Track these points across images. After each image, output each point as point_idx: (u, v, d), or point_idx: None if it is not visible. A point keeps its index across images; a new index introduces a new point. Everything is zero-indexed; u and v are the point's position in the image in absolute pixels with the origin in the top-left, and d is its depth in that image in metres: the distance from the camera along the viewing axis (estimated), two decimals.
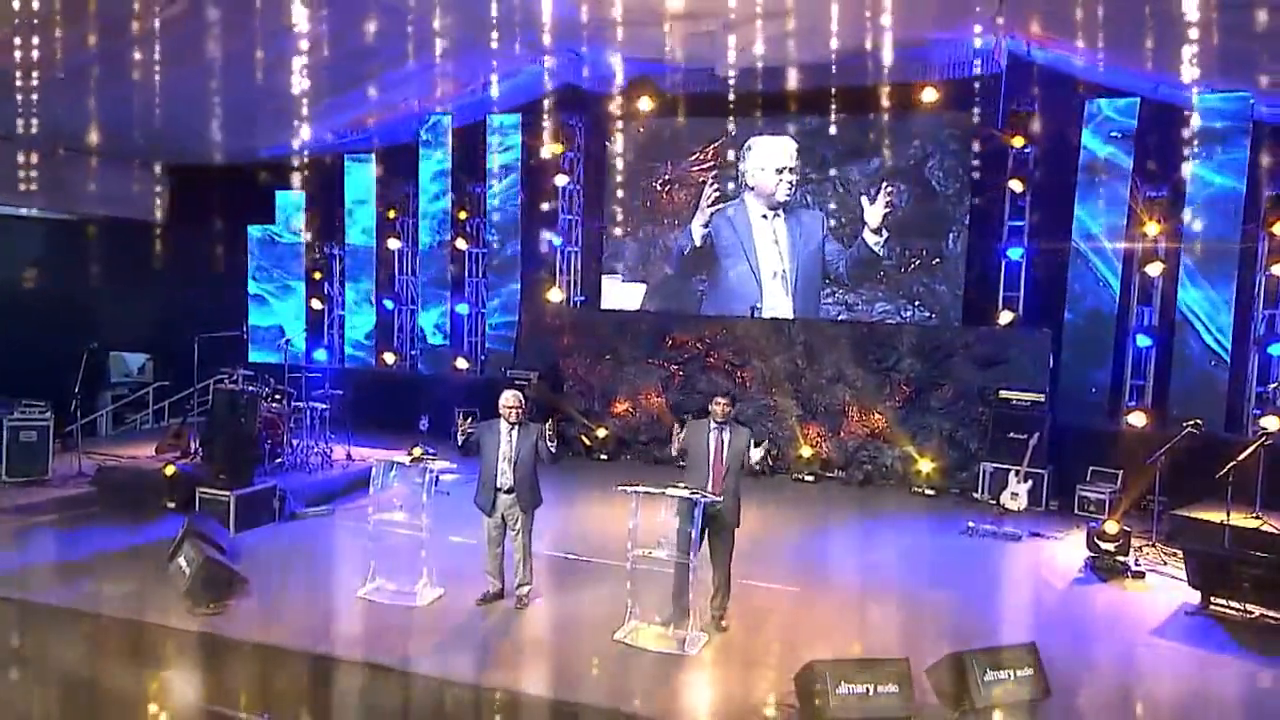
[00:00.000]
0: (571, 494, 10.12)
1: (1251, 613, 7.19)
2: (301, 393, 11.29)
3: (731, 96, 12.76)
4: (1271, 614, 7.11)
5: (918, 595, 7.62)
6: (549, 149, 14.06)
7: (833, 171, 13.10)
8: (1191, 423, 9.13)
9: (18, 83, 9.94)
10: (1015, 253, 12.24)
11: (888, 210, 12.83)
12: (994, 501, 10.44)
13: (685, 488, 6.53)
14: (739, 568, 7.03)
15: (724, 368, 12.59)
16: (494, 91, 13.44)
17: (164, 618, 6.73)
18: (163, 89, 10.43)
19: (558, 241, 14.49)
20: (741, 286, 13.57)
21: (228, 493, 8.93)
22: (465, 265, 14.94)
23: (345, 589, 7.32)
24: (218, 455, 9.35)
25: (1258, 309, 11.15)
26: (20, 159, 12.52)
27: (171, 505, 9.41)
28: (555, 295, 14.35)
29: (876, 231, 12.90)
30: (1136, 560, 8.41)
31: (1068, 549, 9.10)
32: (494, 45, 10.88)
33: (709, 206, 13.73)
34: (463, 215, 14.75)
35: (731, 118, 13.28)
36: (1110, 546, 8.33)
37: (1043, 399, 10.85)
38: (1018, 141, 11.94)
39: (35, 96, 10.29)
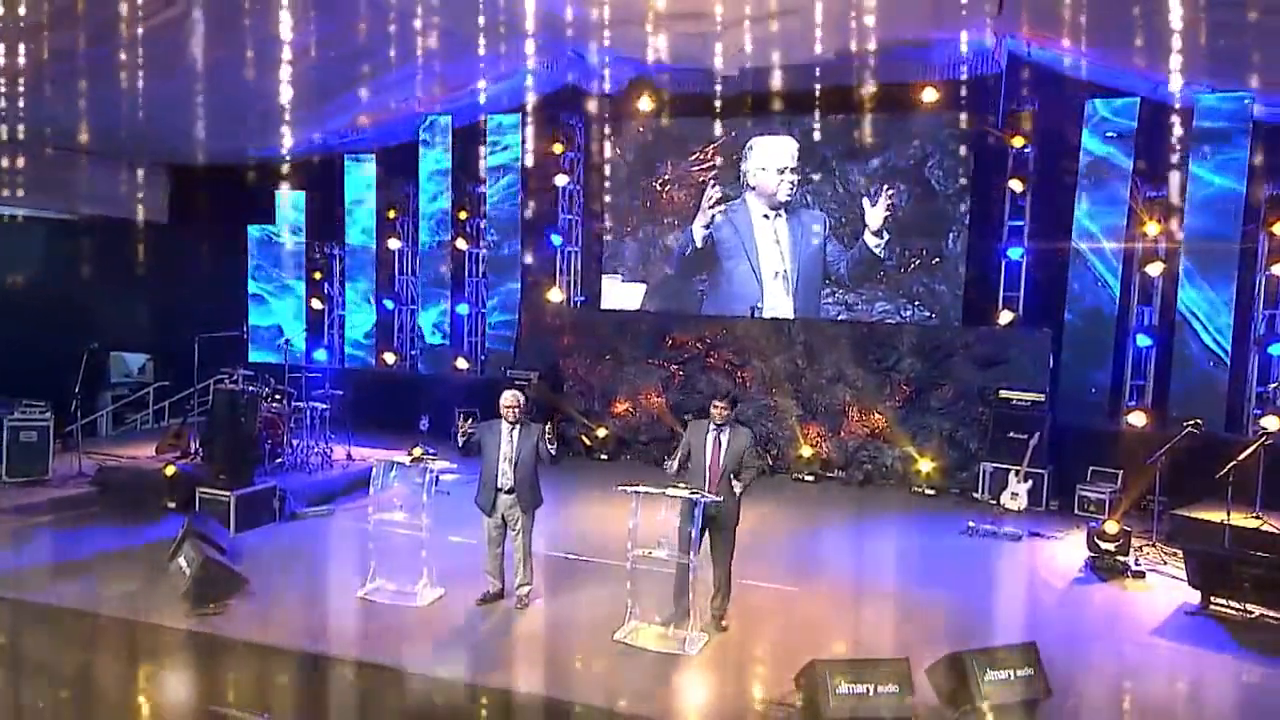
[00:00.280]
0: (571, 494, 10.12)
1: (1251, 613, 7.19)
2: (301, 393, 11.29)
3: (732, 97, 12.79)
4: (1271, 614, 7.11)
5: (918, 595, 7.62)
6: (549, 149, 14.08)
7: (833, 171, 13.10)
8: (1191, 423, 9.13)
9: (18, 83, 9.95)
10: (1015, 253, 12.25)
11: (889, 213, 12.82)
12: (994, 501, 10.44)
13: (685, 487, 6.53)
14: (739, 568, 7.03)
15: (724, 368, 12.59)
16: (494, 91, 13.43)
17: (164, 618, 6.73)
18: (163, 89, 10.44)
19: (558, 241, 14.49)
20: (743, 286, 13.56)
21: (228, 493, 8.93)
22: (465, 265, 14.95)
23: (345, 589, 7.32)
24: (218, 455, 9.36)
25: (1258, 309, 11.15)
26: (20, 159, 12.53)
27: (171, 505, 9.42)
28: (555, 295, 14.36)
29: (877, 234, 12.89)
30: (1136, 560, 8.41)
31: (1068, 549, 9.10)
32: (494, 45, 10.87)
33: (710, 207, 13.73)
34: (462, 215, 14.75)
35: (731, 118, 13.30)
36: (1110, 546, 8.34)
37: (1043, 399, 10.85)
38: (1018, 141, 11.94)
39: (35, 96, 10.30)
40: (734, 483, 6.60)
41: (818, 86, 12.23)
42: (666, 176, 13.96)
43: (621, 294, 14.36)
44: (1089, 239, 11.60)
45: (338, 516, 9.67)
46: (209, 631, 6.57)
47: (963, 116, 12.31)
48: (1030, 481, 10.24)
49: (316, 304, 15.58)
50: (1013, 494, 10.22)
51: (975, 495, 10.91)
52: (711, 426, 6.75)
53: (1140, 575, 8.19)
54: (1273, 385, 10.80)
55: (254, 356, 14.66)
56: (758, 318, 13.00)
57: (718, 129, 13.52)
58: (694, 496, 6.40)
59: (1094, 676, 6.19)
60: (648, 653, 6.34)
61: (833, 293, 13.21)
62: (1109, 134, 11.45)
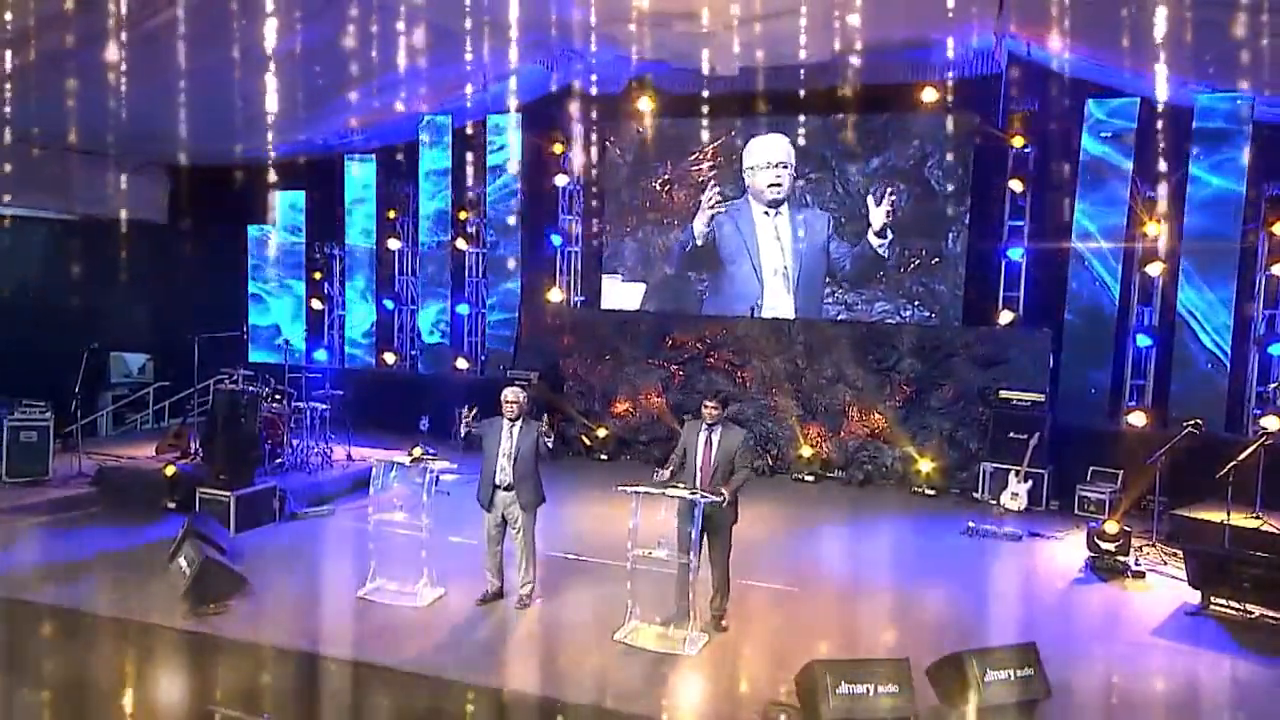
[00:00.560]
0: (571, 494, 10.11)
1: (1251, 613, 7.19)
2: (301, 393, 11.29)
3: (731, 97, 12.79)
4: (1271, 614, 7.11)
5: (918, 595, 7.63)
6: (549, 149, 14.08)
7: (833, 171, 13.09)
8: (1191, 423, 9.13)
9: (18, 83, 9.94)
10: (1015, 253, 12.25)
11: (890, 211, 12.80)
12: (994, 501, 10.44)
13: (685, 488, 6.54)
14: (739, 568, 7.03)
15: (724, 368, 12.59)
16: (494, 92, 13.43)
17: (164, 618, 6.73)
18: (162, 90, 10.44)
19: (558, 241, 14.49)
20: (744, 285, 13.56)
21: (228, 493, 8.94)
22: (465, 265, 14.95)
23: (345, 589, 7.32)
24: (218, 455, 9.35)
25: (1258, 309, 11.15)
26: (20, 159, 12.52)
27: (171, 505, 9.43)
28: (555, 295, 14.36)
29: (880, 234, 12.88)
30: (1136, 560, 8.41)
31: (1068, 549, 9.10)
32: (494, 46, 10.87)
33: (709, 207, 13.72)
34: (463, 215, 14.75)
35: (731, 118, 13.30)
36: (1110, 546, 8.33)
37: (1043, 399, 10.85)
38: (1018, 141, 11.94)
39: (35, 96, 10.30)
40: (722, 490, 6.51)
41: (818, 86, 12.24)
42: (666, 176, 13.96)
43: (621, 294, 14.36)
44: (1088, 239, 11.60)
45: (338, 516, 9.67)
46: (209, 632, 6.58)
47: (963, 116, 12.32)
48: (1030, 481, 10.23)
49: (316, 304, 15.58)
50: (1013, 494, 10.22)
51: (975, 495, 10.91)
52: (704, 426, 6.76)
53: (1140, 575, 8.19)
54: (1273, 385, 10.80)
55: (254, 356, 14.66)
56: (757, 318, 13.01)
57: (717, 129, 13.53)
58: (694, 497, 6.40)
59: (1094, 677, 6.19)
60: (648, 653, 6.34)
61: (832, 292, 13.21)
62: (1104, 134, 11.46)
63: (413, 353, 15.28)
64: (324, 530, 9.30)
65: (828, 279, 13.22)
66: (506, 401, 6.98)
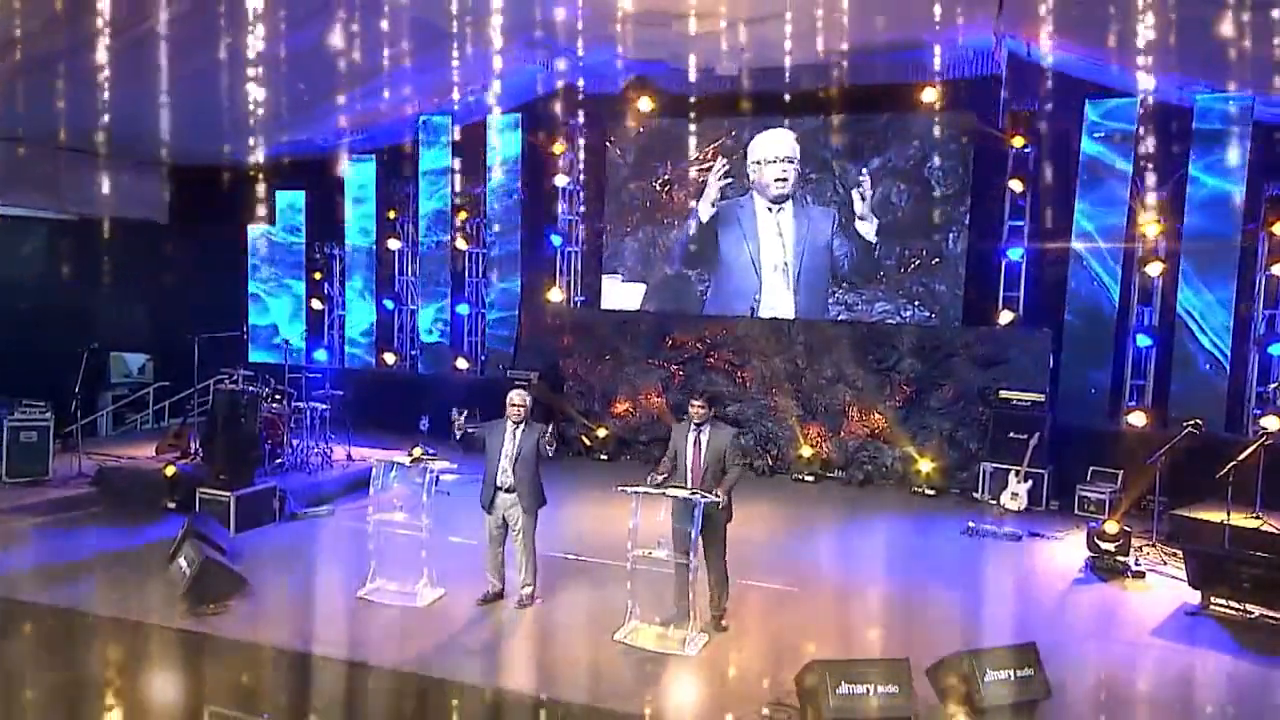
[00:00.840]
0: (571, 494, 10.11)
1: (1251, 613, 7.19)
2: (301, 393, 11.30)
3: (731, 96, 12.77)
4: (1271, 614, 7.11)
5: (918, 595, 7.63)
6: (549, 149, 14.08)
7: (833, 171, 13.08)
8: (1191, 423, 9.13)
9: (17, 83, 9.94)
10: (1015, 253, 12.24)
11: (865, 196, 12.72)
12: (994, 501, 10.44)
13: (684, 488, 6.53)
14: (739, 568, 7.03)
15: (724, 368, 12.59)
16: (494, 91, 13.43)
17: (164, 618, 6.73)
18: (162, 90, 10.43)
19: (558, 241, 14.49)
20: (741, 280, 13.52)
21: (228, 493, 8.94)
22: (465, 265, 14.94)
23: (345, 589, 7.32)
24: (218, 455, 9.35)
25: (1257, 309, 11.15)
26: (20, 159, 12.53)
27: (171, 505, 9.44)
28: (555, 295, 14.35)
29: (864, 218, 12.82)
30: (1136, 560, 8.41)
31: (1068, 549, 9.10)
32: (494, 45, 10.86)
33: (718, 180, 13.55)
34: (462, 215, 14.73)
35: (731, 118, 13.28)
36: (1110, 546, 8.33)
37: (1043, 399, 10.86)
38: (1018, 141, 11.93)
39: (34, 96, 10.30)
40: (718, 491, 6.53)
41: (817, 86, 12.23)
42: (666, 176, 13.95)
43: (621, 294, 14.36)
44: (1088, 239, 11.60)
45: (338, 516, 9.67)
46: (209, 632, 6.57)
47: (962, 117, 12.32)
48: (1030, 481, 10.24)
49: (317, 304, 15.58)
50: (1013, 494, 10.22)
51: (975, 495, 10.91)
52: (692, 426, 6.76)
53: (1140, 575, 8.19)
54: (1273, 385, 10.80)
55: (254, 356, 14.67)
56: (757, 318, 13.00)
57: (717, 129, 13.52)
58: (694, 497, 6.40)
59: (1094, 677, 6.19)
60: (647, 653, 6.34)
61: (833, 292, 13.21)
62: (1099, 134, 11.47)
63: (412, 353, 15.28)
64: (324, 530, 9.30)
65: (834, 276, 13.17)
66: (512, 404, 6.99)
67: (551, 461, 7.20)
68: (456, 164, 14.46)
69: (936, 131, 12.56)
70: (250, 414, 9.62)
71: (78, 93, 10.12)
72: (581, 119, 14.28)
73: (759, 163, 13.38)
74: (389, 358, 15.14)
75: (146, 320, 14.98)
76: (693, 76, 12.57)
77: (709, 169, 13.67)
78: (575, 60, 12.77)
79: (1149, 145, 11.26)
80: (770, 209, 13.40)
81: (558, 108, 13.90)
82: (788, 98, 12.41)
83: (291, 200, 15.45)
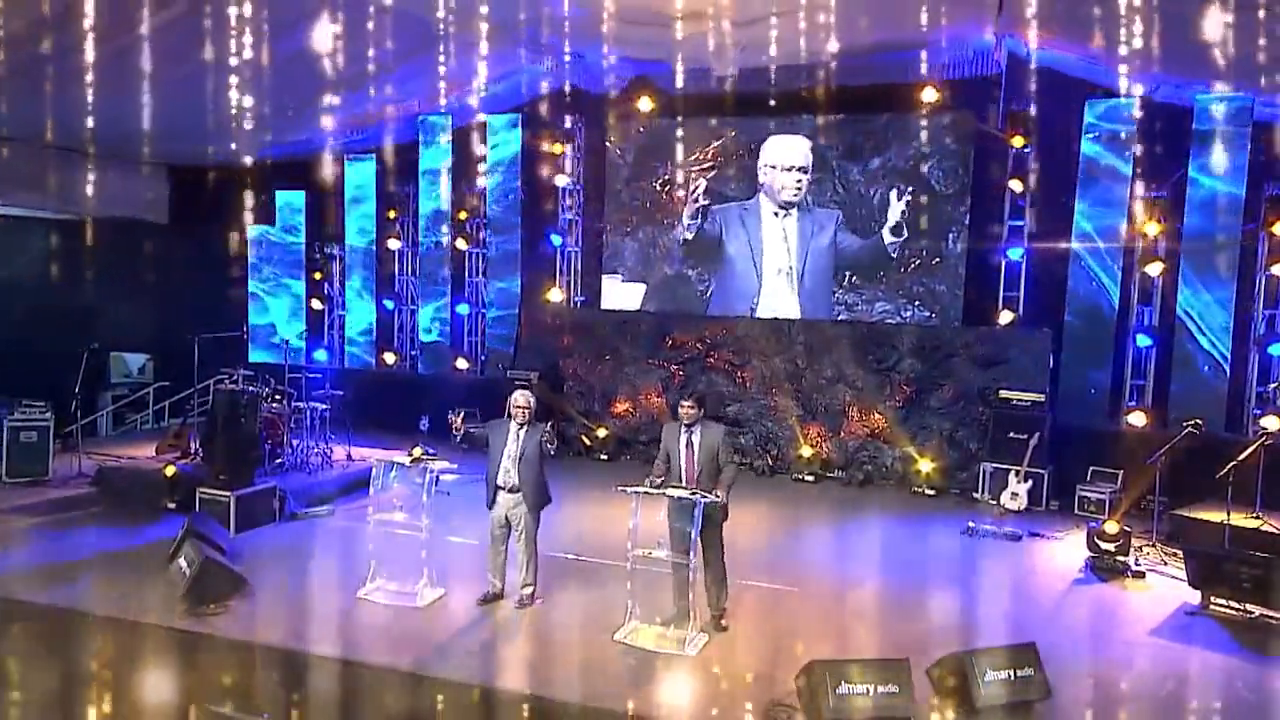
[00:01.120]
0: (571, 494, 10.08)
1: (1251, 613, 7.19)
2: (301, 393, 11.30)
3: (731, 96, 12.77)
4: (1271, 614, 7.11)
5: (918, 595, 7.63)
6: (549, 149, 14.08)
7: (833, 171, 13.08)
8: (1191, 423, 9.13)
9: (17, 83, 9.94)
10: (1015, 253, 12.24)
11: (906, 210, 12.72)
12: (994, 501, 10.45)
13: (683, 488, 6.53)
14: (739, 568, 7.03)
15: (724, 368, 12.59)
16: (494, 91, 13.43)
17: (164, 618, 6.73)
18: (162, 90, 10.43)
19: (558, 241, 14.49)
20: (743, 282, 13.52)
21: (228, 493, 8.94)
22: (465, 265, 14.94)
23: (345, 589, 7.31)
24: (218, 455, 9.35)
25: (1257, 309, 11.16)
26: (20, 159, 12.52)
27: (171, 505, 9.43)
28: (555, 295, 14.36)
29: (895, 231, 12.81)
30: (1136, 560, 8.41)
31: (1068, 549, 9.10)
32: (494, 45, 10.87)
33: (694, 202, 13.62)
34: (462, 215, 14.74)
35: (730, 117, 13.28)
36: (1110, 546, 8.33)
37: (1043, 399, 10.86)
38: (1018, 141, 11.92)
39: (34, 96, 10.30)
40: (715, 492, 6.53)
41: (818, 86, 12.23)
42: (666, 176, 13.95)
43: (621, 294, 14.36)
44: (1088, 239, 11.60)
45: (338, 516, 9.67)
46: (209, 632, 6.57)
47: (962, 117, 12.32)
48: (1030, 481, 10.24)
49: (317, 304, 15.58)
50: (1013, 494, 10.23)
51: (975, 495, 10.91)
52: (682, 428, 6.75)
53: (1140, 575, 8.19)
54: (1273, 385, 10.81)
55: (254, 356, 14.67)
56: (757, 318, 12.99)
57: (717, 129, 13.51)
58: (694, 497, 6.40)
59: (1094, 677, 6.19)
60: (647, 653, 6.34)
61: (833, 292, 13.20)
62: (1101, 134, 11.47)
63: (412, 352, 15.29)
64: (324, 530, 9.29)
65: (837, 278, 13.14)
66: (516, 405, 6.99)
67: (551, 461, 7.21)
68: (456, 163, 14.46)
69: (936, 132, 12.56)
70: (250, 414, 9.62)
71: (79, 92, 10.13)
72: (582, 119, 14.30)
73: (773, 167, 13.35)
74: (389, 358, 15.14)
75: (147, 320, 14.97)
76: (693, 77, 12.59)
77: (709, 169, 13.67)
78: (576, 60, 12.79)
79: (1149, 145, 11.27)
80: (777, 213, 13.39)
81: (557, 107, 13.92)
82: (788, 98, 12.42)
83: (291, 200, 15.45)
